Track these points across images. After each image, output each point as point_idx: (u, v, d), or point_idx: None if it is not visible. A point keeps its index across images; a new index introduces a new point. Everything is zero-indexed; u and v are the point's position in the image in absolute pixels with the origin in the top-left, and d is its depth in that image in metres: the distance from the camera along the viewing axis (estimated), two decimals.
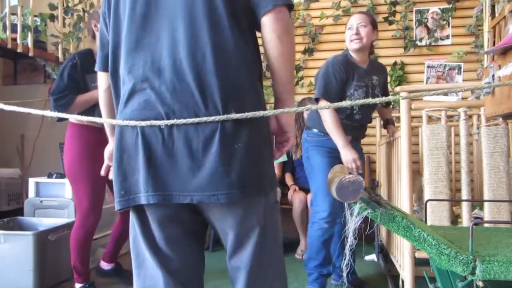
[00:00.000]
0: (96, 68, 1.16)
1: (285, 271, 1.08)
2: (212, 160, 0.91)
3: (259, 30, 0.99)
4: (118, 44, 1.03)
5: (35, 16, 2.92)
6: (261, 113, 0.92)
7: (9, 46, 2.61)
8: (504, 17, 2.56)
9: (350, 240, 0.89)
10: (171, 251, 1.01)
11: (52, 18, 2.98)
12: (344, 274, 0.90)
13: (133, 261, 1.05)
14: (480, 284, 0.91)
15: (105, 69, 1.12)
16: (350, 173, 0.95)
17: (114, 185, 1.00)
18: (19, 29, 2.67)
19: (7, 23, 2.60)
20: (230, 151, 0.92)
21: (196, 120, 0.90)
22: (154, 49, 0.96)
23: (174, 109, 0.92)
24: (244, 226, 0.98)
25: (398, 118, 2.88)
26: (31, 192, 2.72)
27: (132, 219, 1.03)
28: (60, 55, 3.02)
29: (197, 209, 1.00)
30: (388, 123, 2.46)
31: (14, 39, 2.66)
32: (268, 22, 0.95)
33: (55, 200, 2.63)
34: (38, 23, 2.95)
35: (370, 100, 0.89)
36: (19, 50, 2.69)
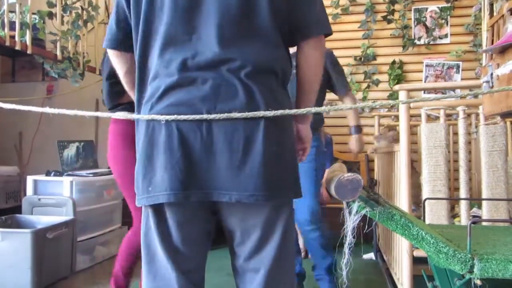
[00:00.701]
0: (108, 45, 1.07)
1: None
2: (254, 160, 0.90)
3: (292, 44, 1.03)
4: (151, 34, 0.97)
5: (34, 13, 2.91)
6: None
7: (7, 43, 2.59)
8: (503, 15, 2.56)
9: (349, 238, 0.89)
10: (188, 251, 1.00)
11: (51, 15, 2.96)
12: (344, 273, 0.90)
13: (144, 257, 1.02)
14: (478, 282, 0.91)
15: (120, 47, 1.06)
16: (349, 172, 0.95)
17: (140, 180, 0.97)
18: (17, 26, 2.66)
19: (5, 20, 2.59)
20: (272, 152, 0.92)
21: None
22: (196, 44, 0.94)
23: (216, 106, 0.90)
24: (271, 226, 0.97)
25: (397, 116, 2.89)
26: (29, 190, 2.71)
27: (147, 216, 1.00)
28: (58, 52, 3.01)
29: (215, 208, 0.99)
30: (351, 133, 2.25)
31: (12, 37, 2.65)
32: (308, 48, 1.01)
33: (53, 198, 2.62)
34: (37, 21, 2.94)
35: (368, 105, 0.89)
36: (17, 47, 2.67)
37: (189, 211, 0.97)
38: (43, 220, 2.51)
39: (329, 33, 1.02)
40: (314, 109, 0.96)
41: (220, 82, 0.92)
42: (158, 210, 0.98)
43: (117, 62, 1.09)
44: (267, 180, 0.91)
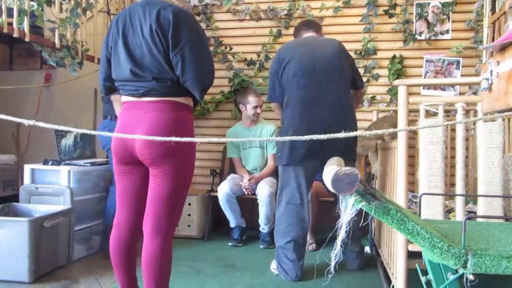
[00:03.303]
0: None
1: None
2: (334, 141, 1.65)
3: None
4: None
5: (32, 0, 2.88)
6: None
7: (5, 30, 2.57)
8: (504, 12, 2.55)
9: (343, 231, 0.89)
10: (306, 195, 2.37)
11: (49, 3, 2.93)
12: (332, 264, 0.91)
13: (281, 194, 2.39)
14: (471, 277, 0.92)
15: None
16: (346, 166, 0.95)
17: (286, 150, 2.32)
18: (15, 13, 2.63)
19: (3, 7, 2.56)
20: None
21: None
22: (318, 89, 2.31)
23: (328, 121, 2.24)
24: None
25: (396, 111, 2.89)
26: (27, 179, 2.71)
27: (290, 172, 2.34)
28: (56, 41, 2.98)
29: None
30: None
31: (10, 24, 2.62)
32: (358, 94, 2.54)
33: (50, 187, 2.62)
34: (35, 8, 2.91)
35: None
36: (15, 35, 2.65)
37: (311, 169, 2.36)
38: (41, 209, 2.52)
39: (364, 88, 2.59)
40: None
41: (326, 109, 2.29)
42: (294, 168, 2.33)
43: None
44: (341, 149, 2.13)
